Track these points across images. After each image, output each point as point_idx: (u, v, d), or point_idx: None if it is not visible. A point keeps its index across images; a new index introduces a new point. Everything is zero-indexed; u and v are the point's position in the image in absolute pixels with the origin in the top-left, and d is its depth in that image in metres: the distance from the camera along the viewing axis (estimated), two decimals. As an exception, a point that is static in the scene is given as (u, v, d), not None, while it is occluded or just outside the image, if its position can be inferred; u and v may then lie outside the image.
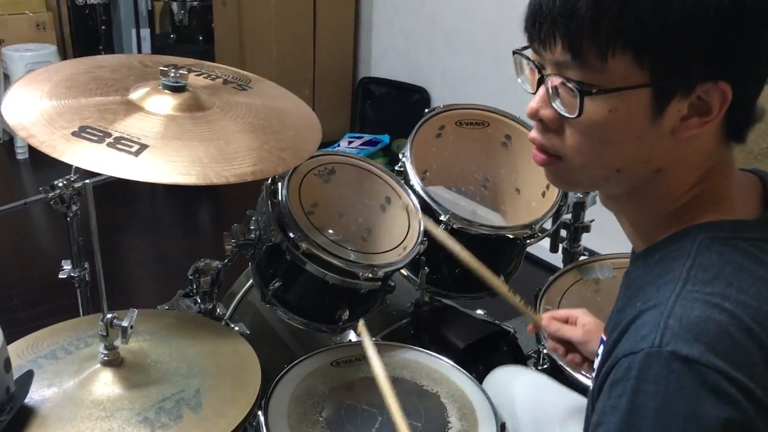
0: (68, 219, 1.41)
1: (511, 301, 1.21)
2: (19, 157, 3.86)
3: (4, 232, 3.11)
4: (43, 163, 1.11)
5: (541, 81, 0.74)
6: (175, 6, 4.35)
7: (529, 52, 0.76)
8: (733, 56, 0.67)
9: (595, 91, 0.68)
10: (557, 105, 0.72)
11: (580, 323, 1.13)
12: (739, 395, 0.61)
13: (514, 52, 0.79)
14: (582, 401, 1.23)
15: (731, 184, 0.75)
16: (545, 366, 1.43)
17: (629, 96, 0.68)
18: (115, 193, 3.29)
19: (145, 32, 4.59)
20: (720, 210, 0.73)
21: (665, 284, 0.68)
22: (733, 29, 0.66)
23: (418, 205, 1.50)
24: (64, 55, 4.43)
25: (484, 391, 1.30)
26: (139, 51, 4.33)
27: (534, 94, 0.75)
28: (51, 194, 1.36)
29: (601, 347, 0.78)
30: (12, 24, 4.08)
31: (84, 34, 4.74)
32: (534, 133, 0.78)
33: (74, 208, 1.39)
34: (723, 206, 0.73)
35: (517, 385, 1.34)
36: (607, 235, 1.91)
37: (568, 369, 1.37)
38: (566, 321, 1.15)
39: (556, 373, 1.38)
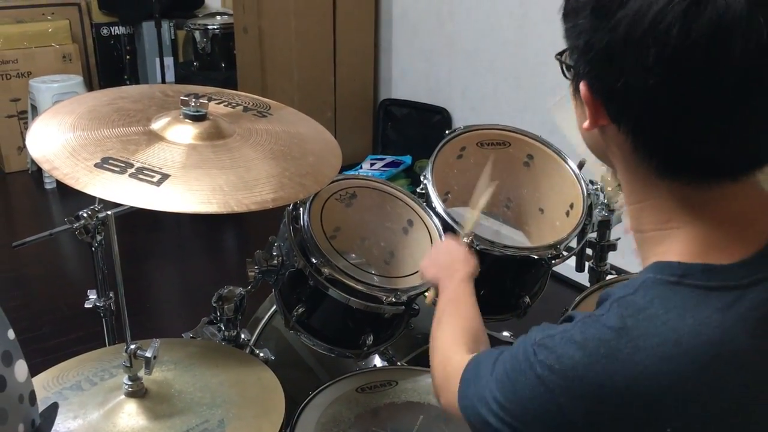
0: (93, 249, 1.42)
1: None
2: (47, 186, 3.92)
3: (33, 261, 3.15)
4: (70, 192, 1.13)
5: None
6: (197, 34, 4.42)
7: None
8: (593, 68, 0.68)
9: (557, 55, 0.77)
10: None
11: None
12: (556, 416, 0.68)
13: None
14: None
15: (715, 223, 0.70)
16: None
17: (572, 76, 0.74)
18: (141, 220, 3.32)
19: (169, 61, 4.67)
20: (686, 251, 0.70)
21: (598, 307, 0.71)
22: (603, 40, 0.66)
23: (440, 227, 1.49)
24: (90, 86, 4.52)
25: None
26: (163, 79, 4.40)
27: None
28: (76, 225, 1.37)
29: None
30: (39, 56, 4.17)
31: (109, 65, 4.84)
32: None
33: (99, 237, 1.40)
34: (693, 247, 0.70)
35: None
36: (635, 253, 1.88)
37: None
38: None
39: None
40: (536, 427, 0.70)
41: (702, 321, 0.65)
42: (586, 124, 0.72)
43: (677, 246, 0.71)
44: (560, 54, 0.77)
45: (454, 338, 1.00)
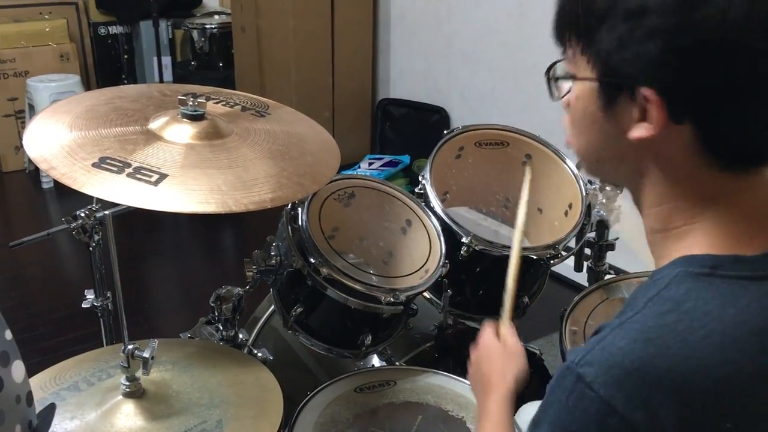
0: (90, 249, 1.41)
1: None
2: (45, 186, 3.92)
3: (30, 261, 3.15)
4: (67, 192, 1.13)
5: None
6: (195, 33, 4.41)
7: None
8: (672, 71, 0.66)
9: (551, 75, 0.77)
10: (554, 90, 0.79)
11: None
12: None
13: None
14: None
15: (742, 215, 0.71)
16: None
17: (584, 87, 0.73)
18: (139, 220, 3.30)
19: (167, 60, 4.66)
20: (715, 243, 0.70)
21: (625, 310, 0.70)
22: (668, 41, 0.65)
23: (440, 227, 1.49)
24: (87, 85, 4.51)
25: (510, 416, 1.28)
26: (161, 79, 4.39)
27: None
28: (73, 224, 1.37)
29: None
30: (36, 55, 4.16)
31: (107, 64, 4.83)
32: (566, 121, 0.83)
33: (96, 237, 1.40)
34: (721, 238, 0.70)
35: None
36: (633, 252, 1.88)
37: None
38: None
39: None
40: None
41: (743, 310, 0.65)
42: (641, 132, 0.69)
43: (703, 239, 0.71)
44: (549, 69, 0.77)
45: None
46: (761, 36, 0.63)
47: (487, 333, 1.16)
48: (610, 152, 0.75)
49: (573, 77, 0.74)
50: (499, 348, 1.12)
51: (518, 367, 1.09)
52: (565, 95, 0.77)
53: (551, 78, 0.78)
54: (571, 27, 0.72)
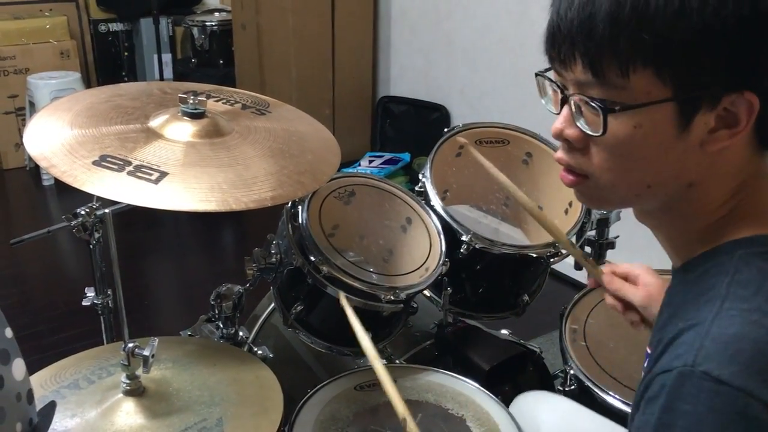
0: (91, 246, 1.41)
1: (568, 249, 1.19)
2: (45, 183, 3.91)
3: (31, 258, 3.15)
4: (68, 190, 1.13)
5: (564, 101, 0.73)
6: (195, 31, 4.40)
7: (551, 73, 0.76)
8: (756, 65, 0.65)
9: (618, 108, 0.68)
10: (581, 124, 0.72)
11: (642, 283, 1.06)
12: None
13: (536, 74, 0.78)
14: (611, 426, 1.20)
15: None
16: (572, 387, 1.41)
17: (653, 111, 0.67)
18: (139, 218, 3.31)
19: (167, 57, 4.65)
20: (758, 224, 0.71)
21: (705, 303, 0.67)
22: (754, 37, 0.64)
23: (440, 225, 1.49)
24: (88, 82, 4.51)
25: (510, 414, 1.28)
26: (161, 76, 4.39)
27: (558, 114, 0.75)
28: (74, 222, 1.36)
29: (646, 362, 0.78)
30: (36, 52, 4.16)
31: (107, 61, 4.82)
32: (560, 154, 0.77)
33: (97, 235, 1.39)
34: (761, 219, 0.71)
35: (545, 411, 1.31)
36: (633, 250, 1.88)
37: (596, 390, 1.34)
38: (626, 278, 1.08)
39: (583, 394, 1.36)
40: None
41: None
42: (726, 141, 0.67)
43: (746, 221, 0.71)
44: (579, 108, 0.70)
45: None
46: None
47: None
48: (668, 172, 0.71)
49: (645, 104, 0.67)
50: None
51: None
52: (604, 129, 0.69)
53: (576, 112, 0.71)
54: (635, 53, 0.65)
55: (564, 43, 0.69)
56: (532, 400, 1.35)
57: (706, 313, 0.66)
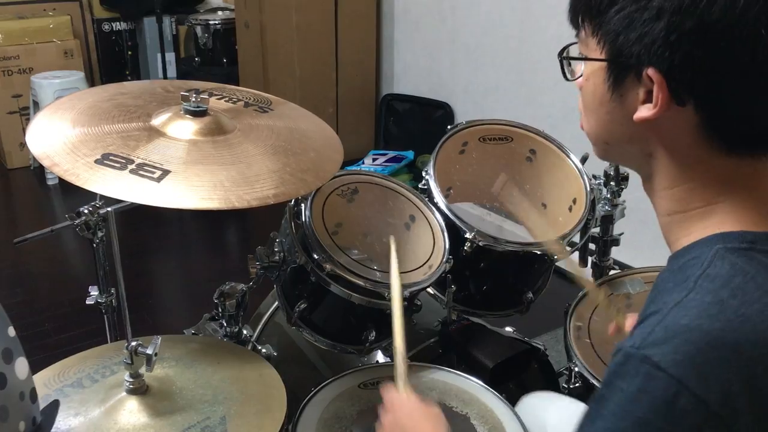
0: (94, 245, 1.41)
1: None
2: (50, 182, 3.92)
3: (36, 257, 3.15)
4: (72, 188, 1.13)
5: None
6: (198, 29, 4.40)
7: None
8: (675, 44, 0.67)
9: (564, 55, 0.78)
10: (567, 72, 0.81)
11: None
12: (697, 415, 0.61)
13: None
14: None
15: (761, 194, 0.73)
16: (577, 384, 1.40)
17: (593, 67, 0.75)
18: (143, 216, 3.32)
19: (171, 56, 4.66)
20: (745, 220, 0.72)
21: (677, 292, 0.69)
22: (669, 19, 0.66)
23: (443, 223, 1.48)
24: (91, 81, 4.51)
25: (514, 412, 1.28)
26: (165, 75, 4.39)
27: None
28: (77, 221, 1.37)
29: None
30: (40, 52, 4.16)
31: (111, 60, 4.83)
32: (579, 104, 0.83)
33: (100, 234, 1.40)
34: (749, 217, 0.72)
35: (551, 412, 1.30)
36: (638, 247, 1.88)
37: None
38: None
39: (588, 392, 1.35)
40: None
41: None
42: (644, 114, 0.71)
43: (731, 216, 0.72)
44: (563, 51, 0.78)
45: None
46: (765, 20, 0.64)
47: (395, 394, 1.02)
48: (618, 134, 0.77)
49: (584, 58, 0.76)
50: (420, 408, 0.99)
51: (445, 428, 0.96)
52: (578, 77, 0.78)
53: (564, 59, 0.80)
54: (583, 9, 0.74)
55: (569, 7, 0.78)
56: (538, 401, 1.34)
57: (670, 303, 0.68)
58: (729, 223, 0.72)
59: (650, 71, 0.68)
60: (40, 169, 4.06)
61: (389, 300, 1.34)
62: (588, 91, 0.77)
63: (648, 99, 0.71)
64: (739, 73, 0.66)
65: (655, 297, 0.72)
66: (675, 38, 0.66)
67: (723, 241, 0.70)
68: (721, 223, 0.72)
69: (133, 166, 1.08)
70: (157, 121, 1.20)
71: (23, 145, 4.10)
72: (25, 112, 4.12)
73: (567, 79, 0.81)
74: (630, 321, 1.13)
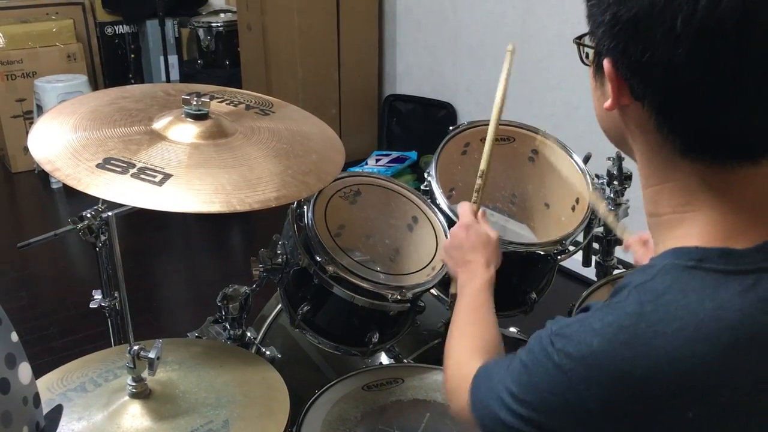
0: (97, 249, 1.41)
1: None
2: (54, 186, 3.93)
3: (40, 261, 3.16)
4: (77, 192, 1.14)
5: None
6: (201, 32, 4.41)
7: None
8: (618, 43, 0.67)
9: (575, 40, 0.78)
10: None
11: None
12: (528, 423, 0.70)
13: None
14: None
15: (735, 208, 0.70)
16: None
17: (590, 54, 0.75)
18: (146, 220, 3.32)
19: (173, 59, 4.67)
20: (705, 236, 0.70)
21: (615, 293, 0.71)
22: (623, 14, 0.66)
23: (446, 224, 1.48)
24: (95, 85, 4.52)
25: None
26: (168, 78, 4.40)
27: None
28: (79, 225, 1.37)
29: None
30: (43, 56, 4.18)
31: (114, 64, 4.85)
32: None
33: (103, 238, 1.39)
34: (711, 231, 0.70)
35: None
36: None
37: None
38: (645, 243, 1.17)
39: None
40: (554, 417, 0.70)
41: (721, 305, 0.65)
42: (607, 104, 0.72)
43: (695, 230, 0.70)
44: (579, 38, 0.78)
45: (470, 345, 0.99)
46: (681, 16, 0.61)
47: (468, 214, 1.24)
48: (604, 124, 0.78)
49: (581, 44, 0.77)
50: (483, 234, 1.19)
51: (497, 258, 1.18)
52: (580, 56, 0.79)
53: (579, 44, 0.80)
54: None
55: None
56: None
57: (603, 301, 0.70)
58: (689, 237, 0.70)
59: (605, 61, 0.70)
60: (44, 173, 4.07)
61: (392, 302, 1.34)
62: (590, 77, 0.79)
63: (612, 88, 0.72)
64: (667, 70, 0.64)
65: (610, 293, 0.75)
66: (617, 30, 0.67)
67: (675, 256, 0.69)
68: (683, 237, 0.71)
69: (134, 170, 1.08)
70: (158, 125, 1.20)
71: (27, 149, 4.11)
72: (29, 116, 4.14)
73: (585, 64, 0.81)
74: (632, 239, 1.20)
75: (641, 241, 1.23)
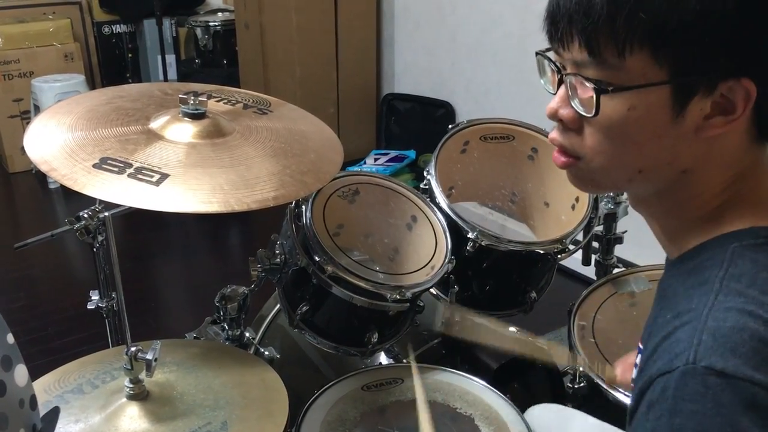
0: (94, 249, 1.41)
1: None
2: (51, 186, 3.92)
3: (38, 262, 3.15)
4: (74, 192, 1.13)
5: (561, 81, 0.73)
6: (198, 31, 4.40)
7: (551, 54, 0.76)
8: (755, 51, 0.64)
9: (612, 89, 0.67)
10: (575, 104, 0.71)
11: None
12: None
13: (536, 53, 0.79)
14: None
15: (766, 186, 0.72)
16: (581, 384, 1.39)
17: (648, 94, 0.66)
18: (144, 220, 3.31)
19: (171, 58, 4.65)
20: (754, 215, 0.70)
21: (698, 296, 0.66)
22: (753, 22, 0.63)
23: (445, 223, 1.47)
24: (92, 85, 4.51)
25: (519, 412, 1.27)
26: (165, 77, 4.38)
27: (554, 94, 0.75)
28: (77, 225, 1.36)
29: (639, 357, 0.76)
30: (41, 56, 4.16)
31: (111, 63, 4.83)
32: (554, 134, 0.76)
33: (100, 238, 1.39)
34: (757, 211, 0.70)
35: (559, 426, 1.28)
36: (641, 245, 1.86)
37: (604, 387, 1.33)
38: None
39: (592, 393, 1.34)
40: None
41: None
42: (720, 128, 0.66)
43: (738, 213, 0.70)
44: (574, 87, 0.70)
45: None
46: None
47: None
48: (662, 158, 0.70)
49: (643, 85, 0.66)
50: None
51: None
52: (596, 109, 0.68)
53: (572, 92, 0.71)
54: (640, 32, 0.64)
55: (562, 21, 0.69)
56: (546, 414, 1.31)
57: (700, 308, 0.64)
58: (738, 221, 0.70)
59: (745, 81, 0.64)
60: (41, 174, 4.04)
61: (391, 301, 1.33)
62: (631, 122, 0.68)
63: (714, 111, 0.66)
64: None
65: (667, 304, 0.70)
66: (760, 45, 0.64)
67: (737, 239, 0.68)
68: (730, 221, 0.70)
69: (131, 170, 1.08)
70: (155, 125, 1.19)
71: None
72: (26, 116, 4.12)
73: (584, 117, 0.70)
74: (619, 370, 1.10)
75: (631, 365, 1.07)
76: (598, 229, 1.67)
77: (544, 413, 1.31)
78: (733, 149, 0.70)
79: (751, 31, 0.63)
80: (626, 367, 1.13)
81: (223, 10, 4.60)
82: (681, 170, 0.71)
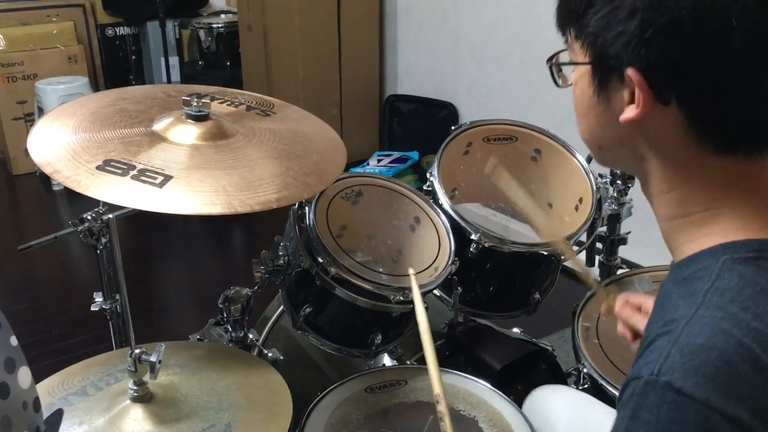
0: (98, 251, 1.41)
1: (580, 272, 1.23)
2: (55, 188, 3.93)
3: (42, 264, 3.16)
4: (78, 194, 1.14)
5: None
6: (201, 33, 4.41)
7: None
8: (652, 49, 0.66)
9: (552, 62, 0.78)
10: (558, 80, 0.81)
11: None
12: None
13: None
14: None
15: (762, 197, 0.71)
16: (586, 386, 1.39)
17: (579, 72, 0.75)
18: (148, 221, 3.32)
19: (174, 60, 4.67)
20: (749, 227, 0.69)
21: (684, 308, 0.67)
22: (655, 18, 0.65)
23: (448, 224, 1.47)
24: (96, 87, 4.52)
25: (523, 414, 1.27)
26: (169, 79, 4.39)
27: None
28: (80, 227, 1.36)
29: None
30: (44, 58, 4.17)
31: (115, 65, 4.85)
32: None
33: (104, 240, 1.39)
34: (753, 222, 0.70)
35: (558, 405, 1.29)
36: (645, 246, 1.86)
37: (609, 389, 1.33)
38: (639, 309, 1.07)
39: (597, 393, 1.34)
40: None
41: None
42: (630, 114, 0.70)
43: (735, 223, 0.70)
44: (552, 58, 0.77)
45: None
46: (737, 12, 0.62)
47: None
48: (608, 138, 0.76)
49: (568, 63, 0.76)
50: None
51: None
52: (570, 84, 0.78)
53: (553, 66, 0.80)
54: (565, 14, 0.74)
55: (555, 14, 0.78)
56: (545, 394, 1.33)
57: (680, 320, 0.65)
58: (733, 231, 0.70)
59: (629, 71, 0.67)
60: (45, 176, 4.05)
61: (394, 303, 1.33)
62: (577, 95, 0.77)
63: (632, 100, 0.70)
64: (717, 67, 0.65)
65: (660, 310, 0.70)
66: (649, 35, 0.65)
67: (729, 251, 0.68)
68: (725, 231, 0.70)
69: (134, 172, 1.08)
70: (158, 126, 1.19)
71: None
72: (30, 118, 4.13)
73: (558, 86, 0.81)
74: (620, 302, 1.09)
75: (632, 305, 1.08)
76: (602, 230, 1.67)
77: (544, 393, 1.33)
78: (675, 147, 0.70)
79: (645, 29, 0.65)
80: (630, 305, 1.10)
81: (226, 12, 4.61)
82: (638, 158, 0.75)
